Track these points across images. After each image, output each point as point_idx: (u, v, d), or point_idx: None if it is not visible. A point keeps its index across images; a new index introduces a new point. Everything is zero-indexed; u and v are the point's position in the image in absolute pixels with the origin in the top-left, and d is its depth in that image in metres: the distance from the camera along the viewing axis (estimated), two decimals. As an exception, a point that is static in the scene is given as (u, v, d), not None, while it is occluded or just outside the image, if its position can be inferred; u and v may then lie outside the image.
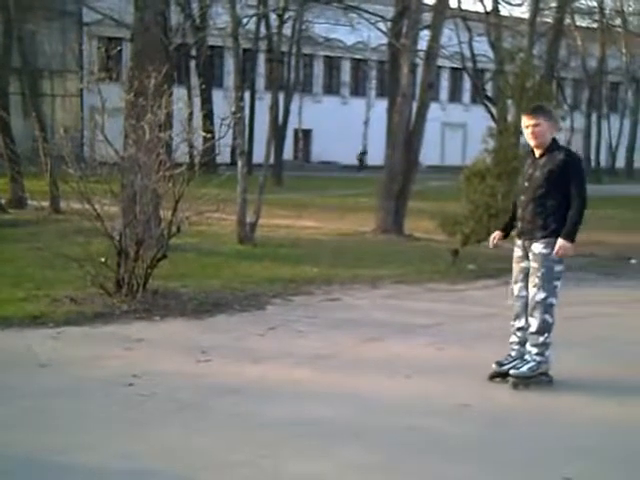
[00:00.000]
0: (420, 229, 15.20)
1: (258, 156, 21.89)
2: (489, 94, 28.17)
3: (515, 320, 6.02)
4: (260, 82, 38.38)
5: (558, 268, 5.80)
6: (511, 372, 5.87)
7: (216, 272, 10.16)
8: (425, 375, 6.11)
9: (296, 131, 41.60)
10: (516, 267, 6.03)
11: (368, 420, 5.08)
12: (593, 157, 45.35)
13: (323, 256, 11.84)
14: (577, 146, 41.19)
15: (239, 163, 13.72)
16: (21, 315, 7.46)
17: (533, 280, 5.81)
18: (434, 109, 17.31)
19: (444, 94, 49.05)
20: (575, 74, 45.31)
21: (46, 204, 12.44)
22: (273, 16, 30.11)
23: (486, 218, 12.31)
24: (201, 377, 5.87)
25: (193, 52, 33.29)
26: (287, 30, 30.15)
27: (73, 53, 30.58)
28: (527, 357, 5.88)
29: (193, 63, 34.36)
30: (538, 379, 5.85)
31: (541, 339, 5.82)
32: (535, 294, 5.80)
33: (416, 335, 7.42)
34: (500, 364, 5.99)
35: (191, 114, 9.62)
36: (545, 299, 5.77)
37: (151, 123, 8.27)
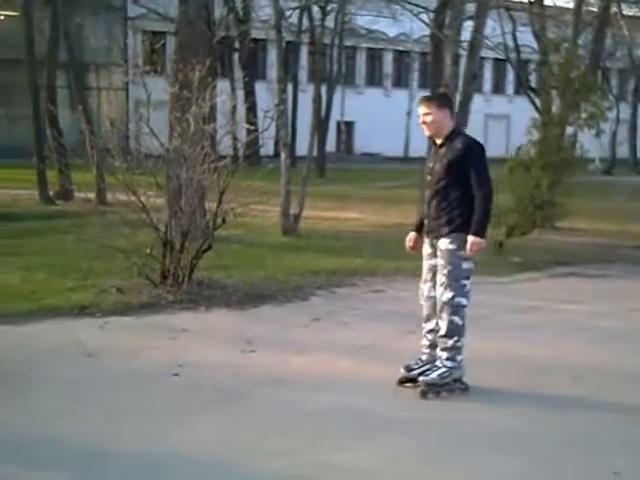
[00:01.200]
0: (464, 221, 15.10)
1: (301, 148, 21.94)
2: (533, 85, 27.83)
3: (425, 322, 5.58)
4: (303, 74, 38.36)
5: (466, 266, 5.40)
6: (420, 379, 5.44)
7: (260, 263, 10.21)
8: (470, 368, 6.08)
9: (338, 123, 41.53)
10: (425, 265, 5.61)
11: (410, 412, 5.09)
12: (640, 148, 44.61)
13: (366, 248, 11.82)
14: (623, 137, 40.67)
15: (282, 155, 13.76)
16: (69, 305, 7.60)
17: (440, 279, 5.40)
18: (477, 100, 17.19)
19: (487, 85, 48.64)
20: (621, 64, 44.52)
21: (92, 196, 12.58)
22: (315, 8, 30.05)
23: (531, 210, 12.24)
24: (245, 367, 5.92)
25: (236, 45, 33.40)
26: (330, 22, 30.08)
27: (118, 47, 30.87)
28: (438, 362, 5.45)
29: (236, 56, 34.47)
30: (451, 387, 5.43)
31: (450, 342, 5.39)
32: (442, 294, 5.39)
33: (460, 327, 7.39)
34: (409, 368, 5.57)
35: (234, 106, 9.65)
36: (452, 299, 5.35)
37: (196, 115, 8.33)
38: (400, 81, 47.72)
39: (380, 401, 5.26)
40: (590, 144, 15.13)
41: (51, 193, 18.17)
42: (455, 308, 5.38)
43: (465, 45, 17.15)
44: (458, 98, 15.94)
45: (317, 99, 19.10)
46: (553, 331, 7.39)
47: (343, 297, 8.58)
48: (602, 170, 34.65)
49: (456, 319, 5.39)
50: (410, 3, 28.37)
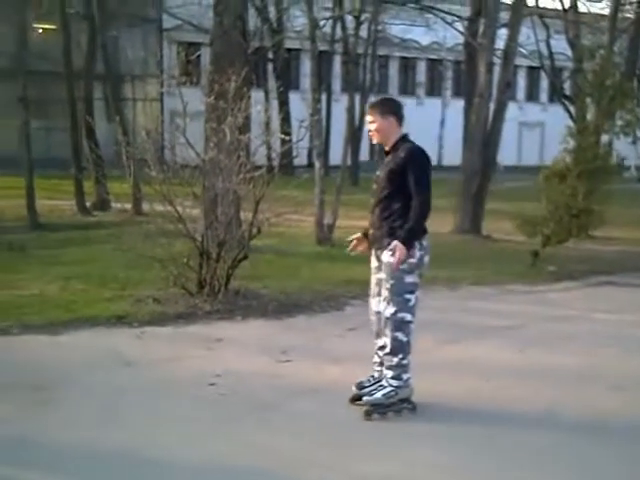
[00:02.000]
0: (499, 230, 15.02)
1: (334, 157, 21.97)
2: (567, 93, 27.65)
3: (376, 338, 5.31)
4: (336, 84, 38.41)
5: (410, 279, 5.11)
6: (364, 399, 5.21)
7: (295, 273, 10.25)
8: (505, 378, 6.07)
9: (371, 132, 41.58)
10: (373, 279, 5.36)
11: (444, 423, 5.08)
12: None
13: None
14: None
15: (316, 165, 13.80)
16: (107, 315, 7.67)
17: (383, 293, 5.17)
18: (511, 108, 17.08)
19: (521, 93, 48.31)
20: (658, 71, 44.12)
21: (129, 206, 12.71)
22: (349, 18, 30.14)
23: (567, 219, 12.14)
24: (281, 377, 5.95)
25: (270, 55, 33.58)
26: (363, 32, 30.14)
27: (153, 58, 31.14)
28: (383, 381, 5.21)
29: (270, 66, 34.64)
30: (398, 407, 5.17)
31: (395, 360, 5.13)
32: (385, 309, 5.14)
33: (495, 337, 7.37)
34: (360, 386, 5.35)
35: (268, 116, 9.72)
36: (395, 314, 5.08)
37: (232, 126, 8.39)
38: (433, 90, 47.60)
39: (413, 412, 5.24)
40: (626, 152, 14.99)
41: (88, 204, 18.38)
42: (399, 324, 5.10)
43: (499, 53, 17.12)
44: (492, 106, 15.93)
45: (351, 108, 19.13)
46: (589, 341, 7.33)
47: (378, 307, 8.56)
48: (638, 178, 34.28)
49: (400, 335, 5.11)
50: (444, 12, 28.41)
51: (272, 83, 33.12)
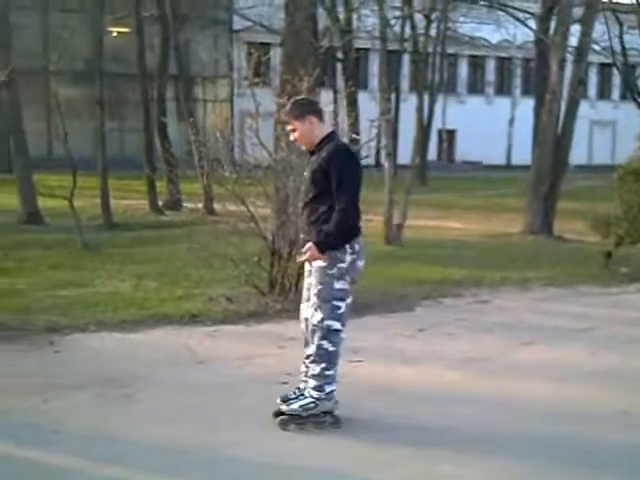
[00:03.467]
0: (570, 230, 14.82)
1: (402, 157, 21.90)
2: (640, 90, 27.11)
3: (305, 346, 4.99)
4: (404, 83, 38.30)
5: (339, 285, 4.80)
6: (282, 407, 4.93)
7: (364, 273, 10.17)
8: (579, 381, 5.98)
9: (440, 131, 41.29)
10: (305, 284, 5.05)
11: (519, 426, 5.03)
12: None
13: (470, 257, 11.76)
14: None
15: (386, 164, 13.80)
16: (180, 313, 7.80)
17: (312, 299, 4.88)
18: (582, 106, 16.78)
19: (592, 91, 47.46)
20: None
21: (200, 205, 12.88)
22: (418, 16, 30.02)
23: (641, 218, 11.89)
24: (353, 377, 5.93)
25: (339, 55, 33.64)
26: (432, 30, 30.02)
27: (224, 60, 31.50)
28: (305, 392, 4.93)
29: (339, 66, 34.71)
30: (319, 419, 4.89)
31: (317, 369, 4.85)
32: (312, 315, 4.85)
33: (568, 339, 7.27)
34: (285, 398, 5.01)
35: (336, 116, 9.74)
36: (322, 322, 4.80)
37: (303, 126, 8.42)
38: (502, 88, 47.08)
39: (487, 415, 5.21)
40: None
41: (160, 203, 18.68)
42: (325, 332, 4.82)
43: (571, 50, 16.86)
44: (564, 105, 15.70)
45: (420, 108, 19.05)
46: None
47: (449, 308, 8.54)
48: None
49: (325, 344, 4.83)
50: (515, 8, 28.08)
51: (341, 83, 33.15)
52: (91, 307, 8.01)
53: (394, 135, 28.83)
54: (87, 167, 14.62)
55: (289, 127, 5.00)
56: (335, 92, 30.33)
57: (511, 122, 43.13)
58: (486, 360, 6.51)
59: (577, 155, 32.10)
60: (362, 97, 30.69)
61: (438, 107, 35.02)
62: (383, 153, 15.58)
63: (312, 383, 4.89)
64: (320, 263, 4.80)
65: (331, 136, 4.94)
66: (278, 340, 6.95)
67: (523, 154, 30.11)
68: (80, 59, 26.72)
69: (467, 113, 42.33)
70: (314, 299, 4.86)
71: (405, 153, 17.54)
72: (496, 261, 11.56)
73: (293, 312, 7.81)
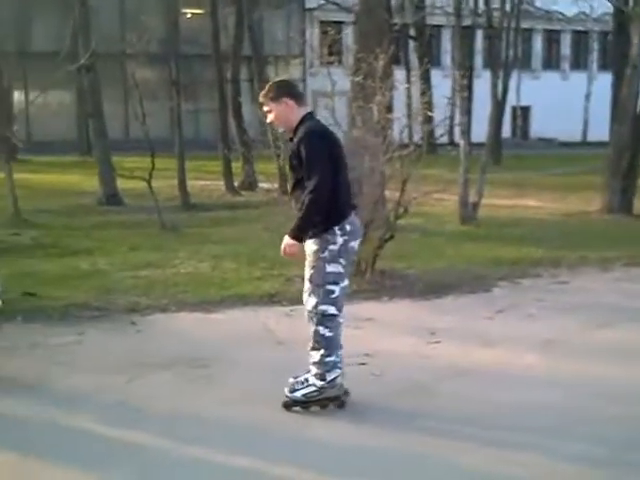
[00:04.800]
0: (651, 209, 14.49)
1: (475, 135, 21.58)
2: None
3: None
4: (478, 60, 37.76)
5: (330, 268, 4.68)
6: (285, 391, 4.91)
7: (440, 253, 10.21)
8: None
9: (514, 108, 40.63)
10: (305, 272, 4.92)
11: (600, 409, 4.95)
12: None
13: (547, 237, 11.57)
14: None
15: (461, 142, 13.65)
16: (258, 293, 7.90)
17: (305, 284, 4.81)
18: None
19: (674, 64, 46.11)
20: None
21: (275, 186, 12.95)
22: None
23: None
24: (431, 358, 5.95)
25: (412, 32, 33.34)
26: (506, 5, 29.47)
27: (297, 39, 31.51)
28: (310, 378, 4.87)
29: (411, 43, 34.40)
30: (323, 403, 4.87)
31: (317, 357, 4.77)
32: (306, 301, 4.78)
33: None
34: (292, 389, 4.95)
35: (410, 95, 9.66)
36: (316, 307, 4.72)
37: (379, 105, 8.40)
38: (579, 63, 46.07)
39: (568, 398, 5.13)
40: None
41: (236, 184, 18.86)
42: (321, 318, 4.74)
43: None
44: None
45: (494, 85, 18.77)
46: None
47: (527, 288, 8.42)
48: None
49: (321, 329, 4.75)
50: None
51: (414, 60, 32.85)
52: (171, 287, 8.17)
53: (468, 113, 28.55)
54: (164, 148, 14.83)
55: (265, 109, 4.88)
56: (408, 70, 30.07)
57: (587, 98, 42.20)
58: (566, 342, 6.41)
59: (657, 130, 31.41)
60: (435, 75, 30.35)
61: (512, 83, 34.46)
62: (457, 131, 15.42)
63: (314, 370, 4.85)
64: (312, 247, 4.72)
65: (307, 117, 4.79)
66: (354, 321, 6.90)
67: (600, 130, 29.45)
68: (155, 41, 27.03)
69: (542, 89, 41.57)
70: (307, 284, 4.79)
71: (479, 131, 17.26)
72: (574, 240, 11.35)
73: (369, 293, 7.91)
